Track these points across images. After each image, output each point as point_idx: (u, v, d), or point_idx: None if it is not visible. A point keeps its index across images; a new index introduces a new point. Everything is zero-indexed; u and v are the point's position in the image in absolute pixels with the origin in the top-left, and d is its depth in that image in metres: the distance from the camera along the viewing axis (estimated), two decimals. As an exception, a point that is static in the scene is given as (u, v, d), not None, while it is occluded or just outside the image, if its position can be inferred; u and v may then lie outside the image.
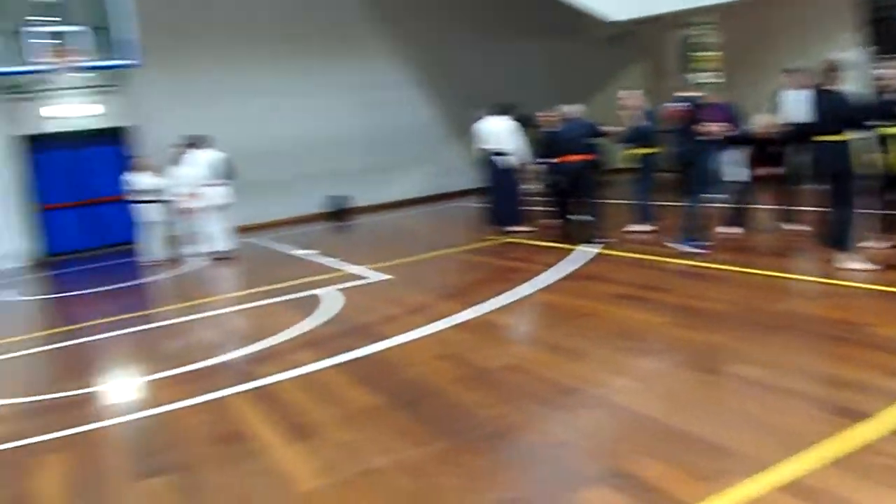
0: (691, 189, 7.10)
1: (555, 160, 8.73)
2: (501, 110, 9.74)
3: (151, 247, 11.00)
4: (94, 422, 4.32)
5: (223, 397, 4.33)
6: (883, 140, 6.06)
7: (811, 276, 5.84)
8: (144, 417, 4.25)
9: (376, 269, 8.01)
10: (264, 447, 3.51)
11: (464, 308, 5.80)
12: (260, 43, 14.47)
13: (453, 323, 5.43)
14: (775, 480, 2.62)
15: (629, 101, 8.79)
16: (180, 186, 10.58)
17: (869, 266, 5.55)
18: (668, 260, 6.82)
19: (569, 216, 8.82)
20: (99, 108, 13.53)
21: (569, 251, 7.71)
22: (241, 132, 13.47)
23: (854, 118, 5.61)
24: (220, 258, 10.37)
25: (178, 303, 7.94)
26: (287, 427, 3.72)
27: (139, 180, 10.89)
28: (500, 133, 9.52)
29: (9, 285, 10.78)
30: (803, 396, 3.40)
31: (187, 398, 4.39)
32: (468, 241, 9.45)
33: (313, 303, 6.69)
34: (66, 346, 6.45)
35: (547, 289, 6.29)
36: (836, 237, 5.74)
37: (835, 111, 5.56)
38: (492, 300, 5.97)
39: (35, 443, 3.96)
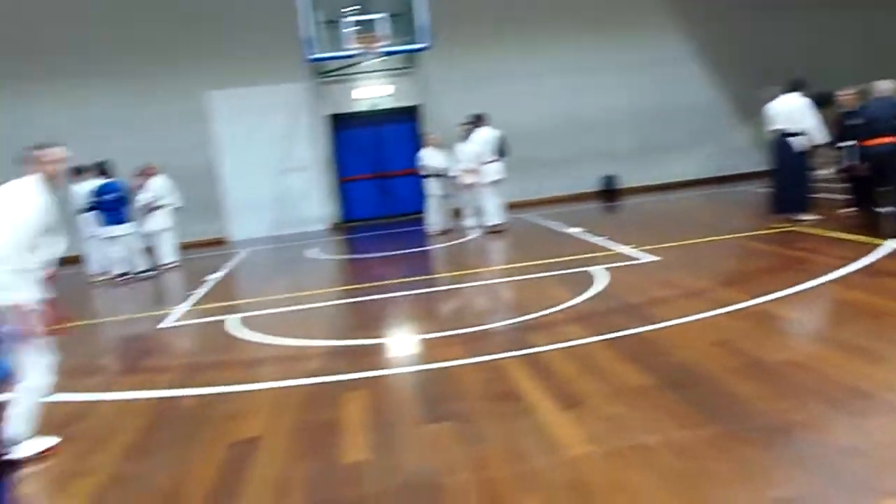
0: None
1: (857, 143, 7.83)
2: (793, 87, 8.94)
3: (436, 218, 11.89)
4: (385, 369, 4.90)
5: (496, 360, 4.63)
6: None
7: None
8: (427, 370, 4.71)
9: (646, 251, 7.89)
10: (535, 409, 3.72)
11: (741, 296, 5.51)
12: (533, 22, 14.79)
13: (729, 310, 5.20)
14: None
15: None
16: (463, 162, 11.29)
17: None
18: None
19: (871, 205, 7.89)
20: (392, 89, 14.88)
21: (869, 245, 6.91)
22: (513, 110, 13.95)
23: None
24: (494, 231, 10.92)
25: (456, 270, 8.56)
26: (556, 394, 3.89)
27: (428, 156, 11.80)
28: (792, 112, 8.75)
29: (314, 245, 12.39)
30: None
31: (464, 357, 4.77)
32: (749, 228, 8.89)
33: (582, 279, 6.81)
34: (359, 301, 7.30)
35: (838, 283, 5.74)
36: None
37: None
38: (774, 290, 5.59)
39: (339, 380, 4.59)
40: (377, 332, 6.03)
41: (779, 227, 8.49)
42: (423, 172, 11.91)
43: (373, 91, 14.93)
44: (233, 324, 6.59)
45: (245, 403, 4.40)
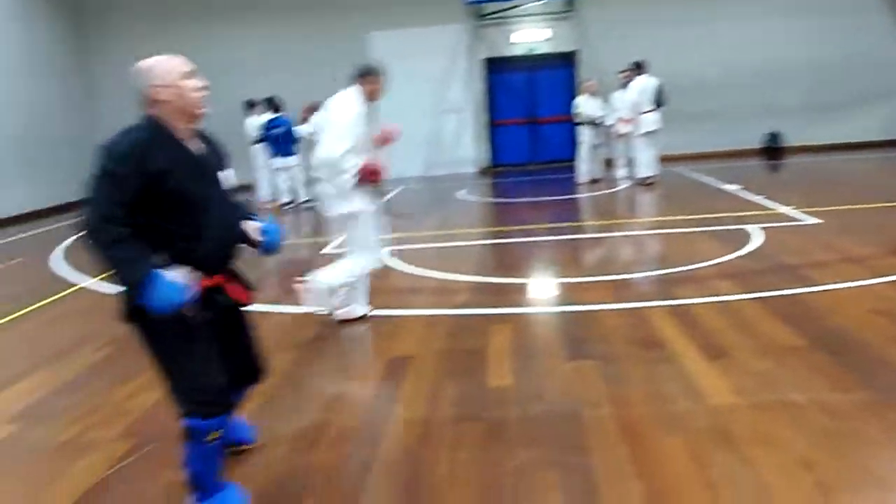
0: None
1: None
2: None
3: (586, 166, 11.78)
4: (529, 307, 5.08)
5: (642, 308, 4.67)
6: None
7: None
8: (570, 311, 4.84)
9: (807, 212, 7.50)
10: (679, 357, 3.76)
11: (913, 266, 5.18)
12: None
13: (894, 279, 4.92)
14: None
15: None
16: (619, 111, 11.08)
17: None
18: None
19: None
20: (549, 34, 14.68)
21: None
22: (673, 59, 13.42)
23: None
24: (646, 183, 10.70)
25: (603, 219, 8.53)
26: (701, 345, 3.91)
27: (583, 103, 11.66)
28: None
29: (463, 187, 12.68)
30: None
31: (609, 302, 4.85)
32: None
33: (735, 236, 6.61)
34: (506, 243, 7.49)
35: None
36: None
37: None
38: (952, 263, 5.21)
39: (485, 314, 4.83)
40: (522, 272, 6.21)
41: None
42: (576, 120, 11.80)
43: (530, 35, 14.81)
44: (387, 255, 7.00)
45: (399, 327, 4.74)
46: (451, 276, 5.94)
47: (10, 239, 10.50)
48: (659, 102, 10.61)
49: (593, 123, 11.57)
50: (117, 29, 15.02)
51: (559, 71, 14.83)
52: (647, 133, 10.64)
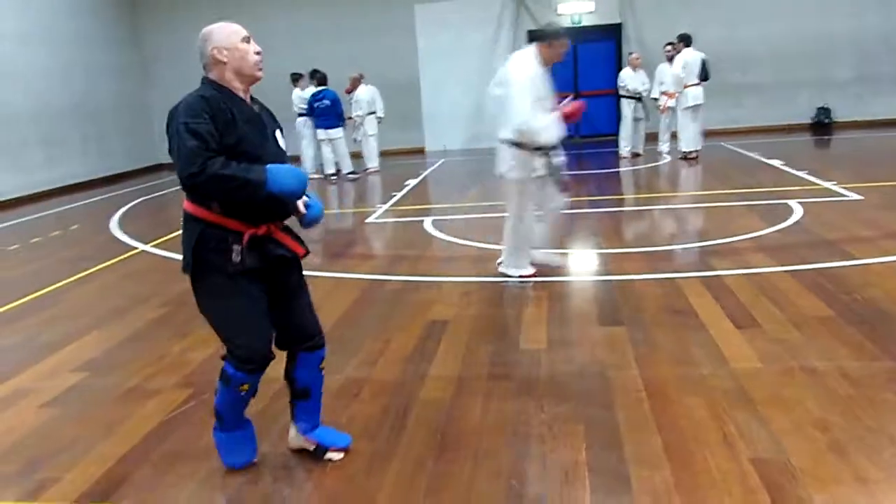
0: None
1: None
2: None
3: (630, 140, 11.75)
4: (565, 276, 5.23)
5: (676, 278, 4.79)
6: None
7: None
8: (605, 280, 4.98)
9: (850, 189, 7.44)
10: (708, 325, 3.89)
11: (953, 243, 5.18)
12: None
13: (935, 256, 4.93)
14: None
15: None
16: (663, 85, 11.00)
17: None
18: None
19: None
20: (593, 6, 14.52)
21: None
22: (719, 33, 13.20)
23: None
24: (689, 158, 10.66)
25: (644, 193, 8.58)
26: (731, 314, 4.02)
27: (627, 77, 11.59)
28: None
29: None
30: None
31: (645, 273, 4.98)
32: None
33: (774, 211, 6.63)
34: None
35: None
36: None
37: None
38: None
39: (523, 282, 4.99)
40: (562, 243, 6.33)
41: None
42: (621, 93, 11.75)
43: (574, 7, 14.69)
44: (428, 224, 7.21)
45: (437, 292, 4.95)
46: (489, 245, 6.10)
47: (66, 207, 10.99)
48: (703, 76, 10.51)
49: (637, 97, 11.51)
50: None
51: (603, 44, 14.70)
52: (691, 107, 10.57)
